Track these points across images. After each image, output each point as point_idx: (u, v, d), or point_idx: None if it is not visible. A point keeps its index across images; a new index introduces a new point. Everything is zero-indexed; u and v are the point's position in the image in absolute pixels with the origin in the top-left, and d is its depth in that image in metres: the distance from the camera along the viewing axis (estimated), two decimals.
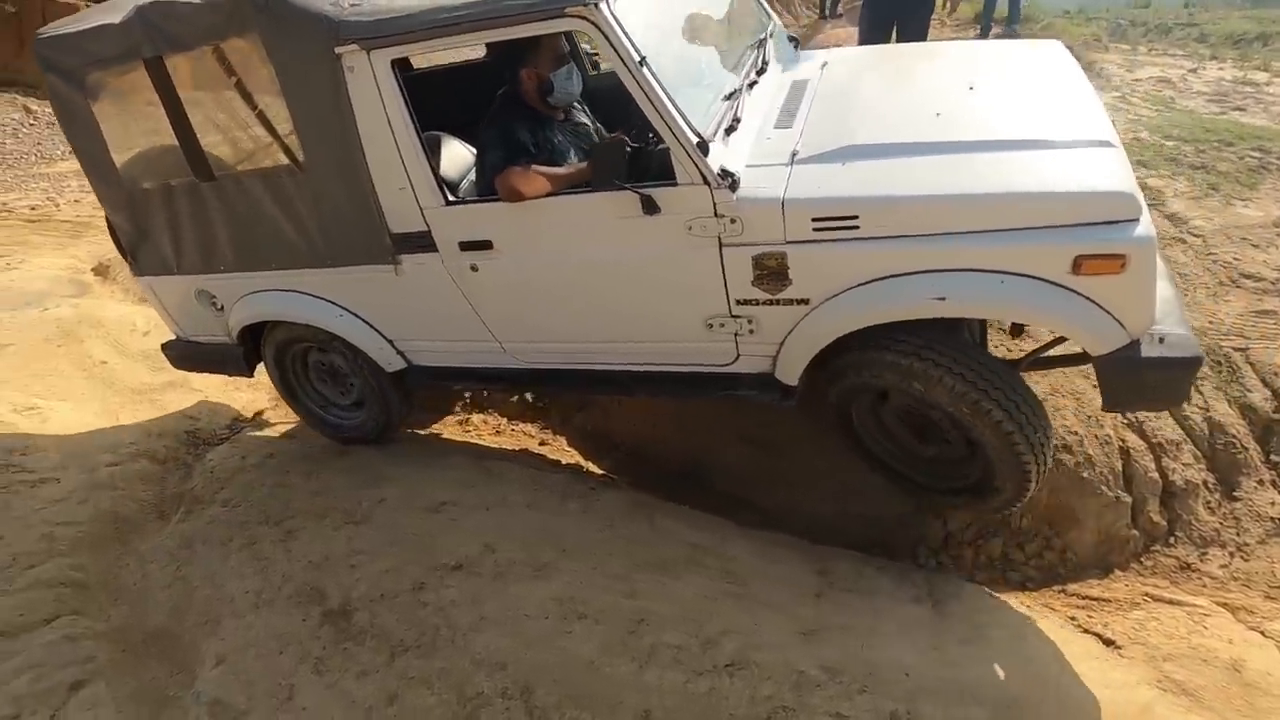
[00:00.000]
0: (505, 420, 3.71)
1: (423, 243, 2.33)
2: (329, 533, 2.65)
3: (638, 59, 1.86)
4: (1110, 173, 1.81)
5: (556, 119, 2.38)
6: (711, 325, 2.20)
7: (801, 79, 2.47)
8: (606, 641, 1.99)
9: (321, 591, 2.38)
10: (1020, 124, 2.02)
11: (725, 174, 1.93)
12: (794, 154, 2.04)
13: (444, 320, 2.56)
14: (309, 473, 3.06)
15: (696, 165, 1.90)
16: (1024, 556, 2.55)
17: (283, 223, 2.49)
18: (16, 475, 3.27)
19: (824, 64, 2.60)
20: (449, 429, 3.69)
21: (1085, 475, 2.53)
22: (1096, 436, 2.63)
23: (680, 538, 2.36)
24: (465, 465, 2.90)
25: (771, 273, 2.03)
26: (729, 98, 2.15)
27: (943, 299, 1.88)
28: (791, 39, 2.76)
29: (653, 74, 1.87)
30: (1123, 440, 2.66)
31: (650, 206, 1.98)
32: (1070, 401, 2.73)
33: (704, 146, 1.90)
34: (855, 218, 1.89)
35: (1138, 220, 1.74)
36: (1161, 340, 1.85)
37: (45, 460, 3.40)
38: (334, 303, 2.65)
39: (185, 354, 3.19)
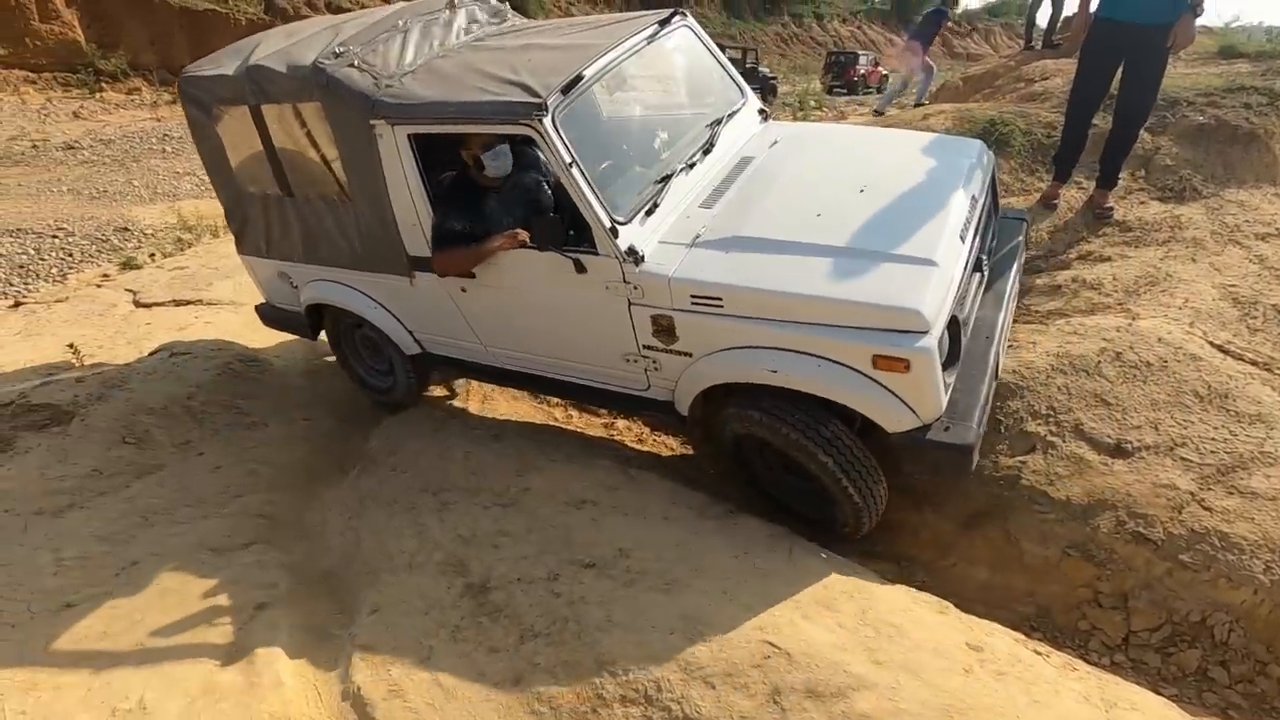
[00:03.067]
0: (648, 431, 3.77)
1: (428, 266, 2.93)
2: (478, 511, 2.81)
3: (567, 162, 2.41)
4: (911, 290, 2.17)
5: (495, 187, 2.81)
6: (628, 359, 2.72)
7: (747, 157, 2.96)
8: (729, 670, 1.94)
9: (465, 565, 2.53)
10: (870, 234, 2.40)
11: (631, 252, 2.45)
12: (696, 237, 2.52)
13: (446, 322, 3.22)
14: (468, 452, 3.27)
15: (610, 244, 2.44)
16: (1228, 678, 2.17)
17: (336, 235, 3.24)
18: (237, 416, 3.80)
19: (774, 142, 3.09)
20: (594, 429, 3.82)
21: None
22: None
23: (817, 575, 2.26)
24: (610, 467, 2.96)
25: (664, 329, 2.53)
26: (661, 180, 2.66)
27: (775, 371, 2.32)
28: (761, 112, 3.31)
29: (580, 173, 2.43)
30: None
31: (580, 268, 2.54)
32: None
33: (615, 230, 2.44)
34: (720, 299, 2.36)
35: (925, 333, 2.12)
36: (947, 428, 2.25)
37: (258, 407, 3.93)
38: (370, 296, 3.36)
39: (271, 316, 3.98)
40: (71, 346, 4.30)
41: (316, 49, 2.93)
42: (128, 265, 7.00)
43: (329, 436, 3.83)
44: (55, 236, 8.31)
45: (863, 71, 23.42)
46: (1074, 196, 4.14)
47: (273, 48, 3.15)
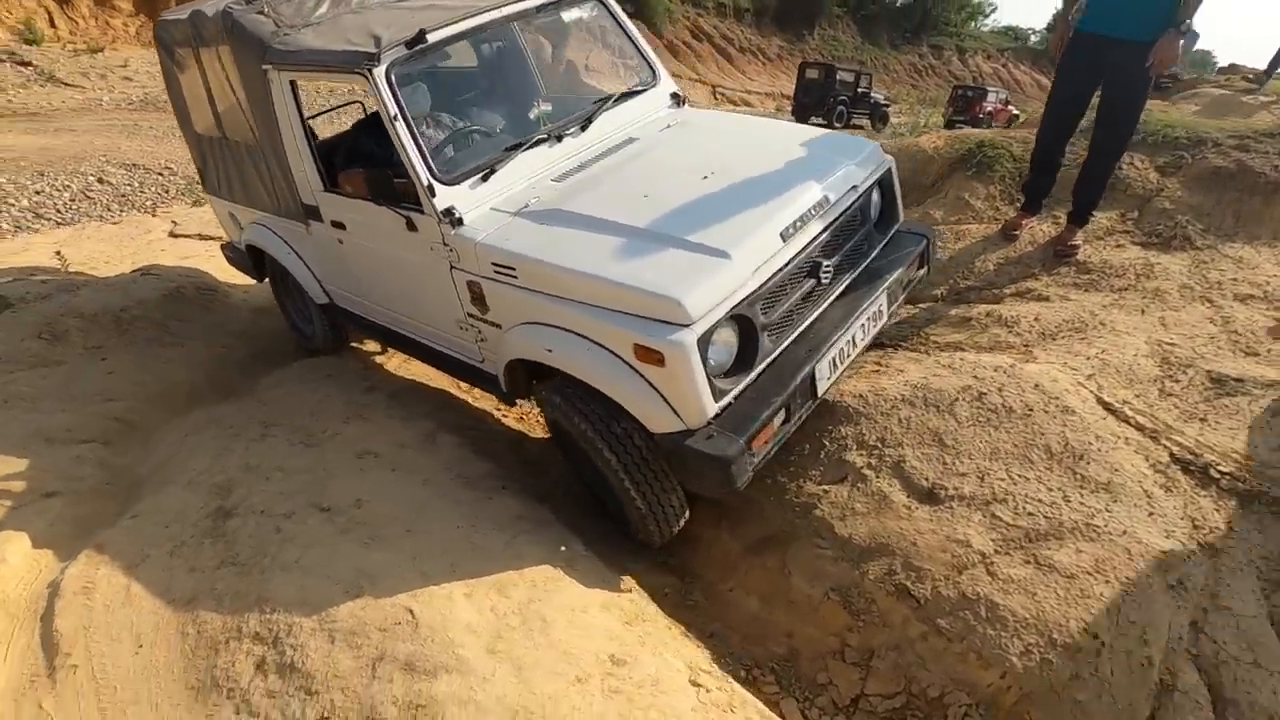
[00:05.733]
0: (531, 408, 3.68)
1: (316, 214, 3.07)
2: (284, 446, 2.84)
3: (392, 114, 2.41)
4: (681, 280, 2.00)
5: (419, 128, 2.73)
6: (461, 327, 2.67)
7: (633, 138, 2.88)
8: (355, 629, 1.84)
9: (231, 490, 2.56)
10: (678, 219, 2.25)
11: (448, 213, 2.40)
12: (524, 206, 2.44)
13: (337, 272, 3.29)
14: (326, 396, 3.31)
15: (428, 202, 2.41)
16: None
17: (255, 179, 3.37)
18: (160, 334, 4.03)
19: (667, 126, 2.98)
20: (486, 400, 3.76)
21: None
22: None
23: (528, 561, 2.11)
24: (422, 426, 2.91)
25: (478, 297, 2.47)
26: (511, 148, 2.61)
27: (550, 350, 2.22)
28: (674, 96, 3.19)
29: (405, 127, 2.42)
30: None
31: (410, 226, 2.53)
32: None
33: (432, 189, 2.40)
34: (514, 269, 2.28)
35: (684, 326, 1.95)
36: (710, 437, 2.02)
37: (186, 329, 4.16)
38: (286, 242, 3.46)
39: (230, 255, 4.18)
40: (58, 254, 4.73)
41: None
42: (198, 203, 7.66)
43: (236, 367, 3.99)
44: (161, 174, 9.26)
45: (990, 109, 22.01)
46: (1045, 231, 3.68)
47: None
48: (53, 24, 17.60)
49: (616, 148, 2.81)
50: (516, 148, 2.63)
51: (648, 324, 2.00)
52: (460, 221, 2.41)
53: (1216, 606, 1.91)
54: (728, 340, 2.13)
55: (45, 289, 4.19)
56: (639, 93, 3.12)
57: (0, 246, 5.93)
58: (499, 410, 3.69)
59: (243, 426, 3.06)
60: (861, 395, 2.66)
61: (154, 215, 7.55)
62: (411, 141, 2.43)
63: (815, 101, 19.79)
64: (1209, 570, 1.99)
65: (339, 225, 3.04)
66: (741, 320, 2.14)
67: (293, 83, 2.86)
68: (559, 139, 2.75)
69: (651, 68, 3.21)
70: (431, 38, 2.59)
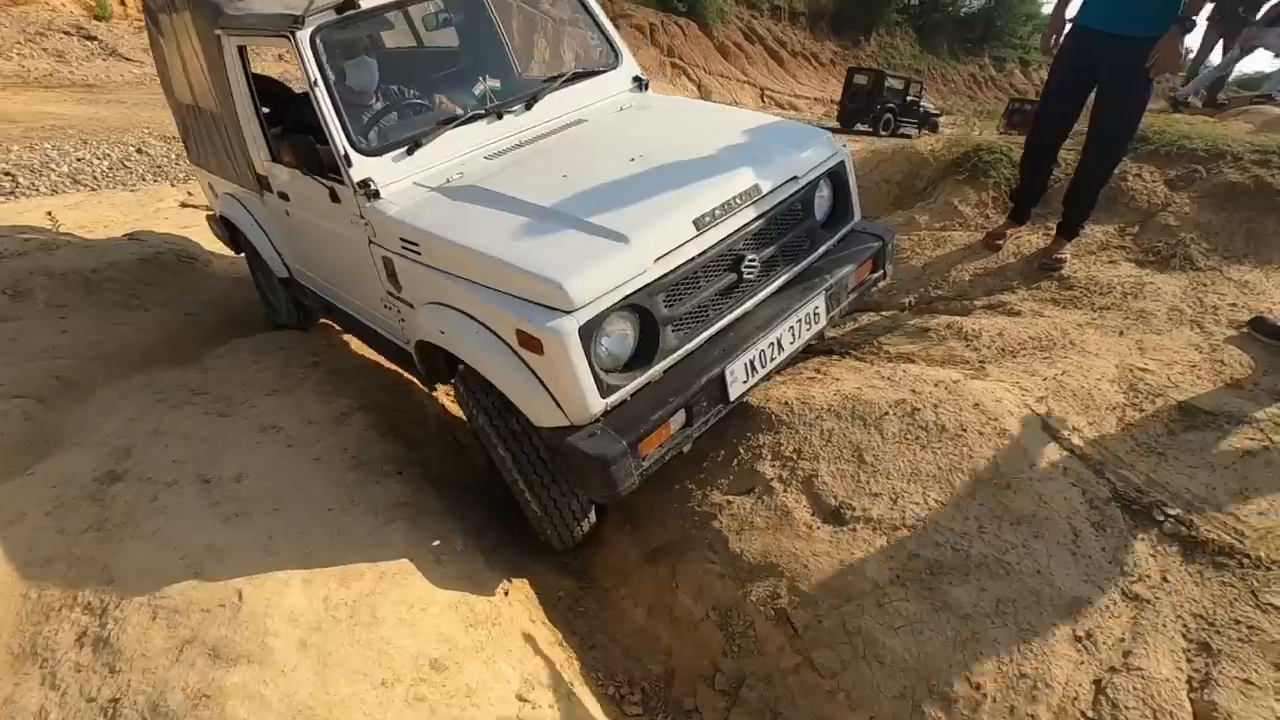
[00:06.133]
0: None
1: (268, 185, 3.04)
2: (198, 414, 2.78)
3: (312, 79, 2.35)
4: (568, 262, 1.86)
5: (367, 102, 2.70)
6: (385, 305, 2.53)
7: (582, 119, 2.75)
8: (180, 608, 1.75)
9: (130, 454, 2.51)
10: (586, 200, 2.11)
11: (364, 184, 2.31)
12: (446, 182, 2.34)
13: (291, 245, 3.22)
14: (264, 369, 3.26)
15: (345, 171, 2.32)
16: None
17: (220, 146, 3.33)
18: (127, 297, 4.05)
19: (621, 109, 2.85)
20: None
21: None
22: None
23: (388, 553, 1.99)
24: (341, 404, 2.83)
25: (391, 274, 2.37)
26: (445, 123, 2.50)
27: (443, 333, 2.12)
28: (637, 80, 3.04)
29: (325, 93, 2.35)
30: None
31: (334, 197, 2.45)
32: None
33: (349, 158, 2.31)
34: (418, 245, 2.17)
35: (567, 313, 1.80)
36: (593, 435, 1.87)
37: (155, 294, 4.17)
38: (250, 214, 3.39)
39: (213, 227, 4.09)
40: (49, 214, 4.81)
41: None
42: None
43: (201, 335, 3.98)
44: None
45: None
46: (1033, 243, 3.42)
47: None
48: (123, 1, 18.32)
49: (562, 129, 2.70)
50: (449, 122, 2.53)
51: (532, 308, 1.86)
52: (377, 194, 2.32)
53: (1127, 666, 1.68)
54: (622, 331, 1.98)
55: (25, 247, 4.26)
56: (596, 74, 2.99)
57: (12, 207, 6.11)
58: (443, 393, 3.60)
59: (172, 392, 3.03)
60: (787, 403, 2.47)
61: (173, 186, 7.72)
62: (331, 109, 2.36)
63: (862, 108, 19.30)
64: (1127, 624, 1.76)
65: (284, 196, 3.01)
66: (640, 311, 1.99)
67: (241, 48, 2.82)
68: (499, 116, 2.64)
69: (614, 50, 3.09)
70: (364, 4, 2.51)
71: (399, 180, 2.37)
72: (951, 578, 1.86)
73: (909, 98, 20.01)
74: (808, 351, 3.00)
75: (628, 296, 1.92)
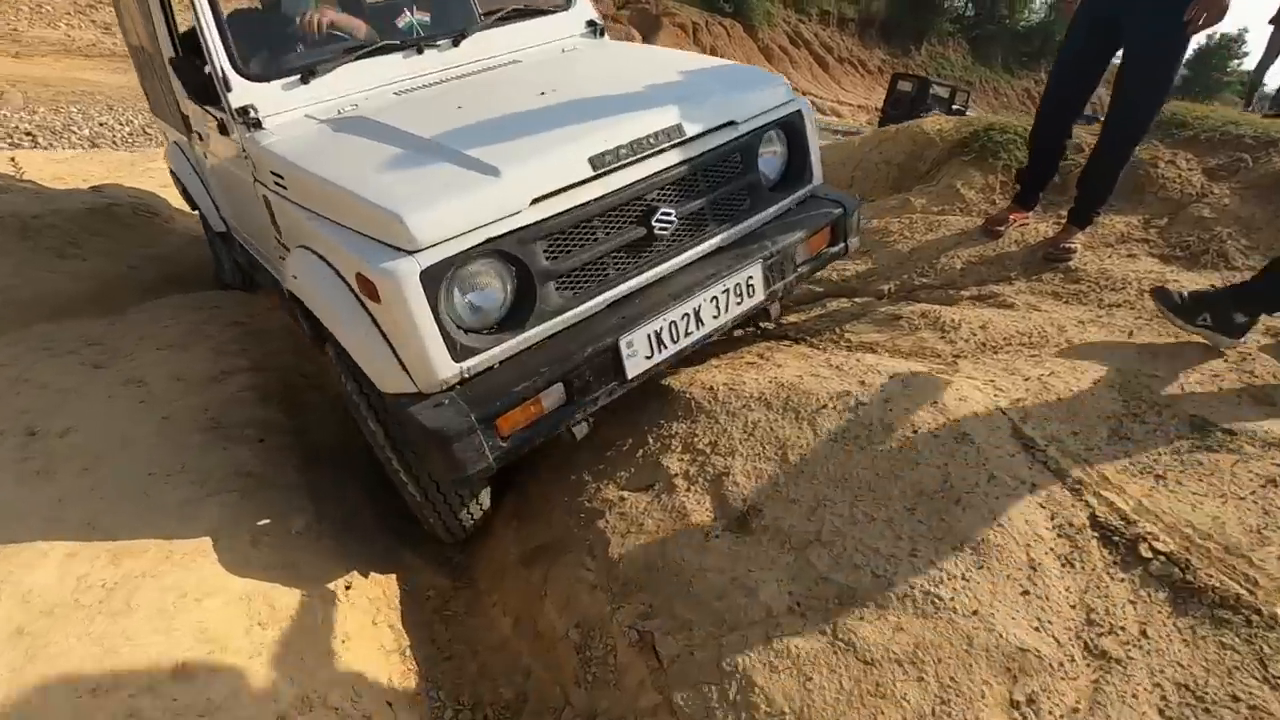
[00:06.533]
0: None
1: (190, 127, 2.79)
2: (74, 366, 2.53)
3: None
4: (420, 195, 1.57)
5: (311, 34, 2.43)
6: (280, 257, 2.16)
7: (516, 60, 2.48)
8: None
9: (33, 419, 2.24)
10: (470, 132, 1.82)
11: (243, 112, 2.04)
12: (338, 113, 2.09)
13: (219, 195, 2.95)
14: (169, 326, 3.01)
15: (224, 96, 2.04)
16: None
17: (160, 89, 3.11)
18: (66, 245, 3.85)
19: (562, 50, 2.59)
20: None
21: None
22: None
23: (191, 529, 1.68)
24: (230, 364, 2.55)
25: (272, 215, 2.10)
26: (350, 51, 2.24)
27: (295, 277, 1.86)
28: (591, 24, 2.74)
29: (209, 8, 2.07)
30: None
31: (222, 128, 2.21)
32: None
33: (228, 82, 2.04)
34: (284, 178, 1.91)
35: (409, 254, 1.51)
36: (437, 405, 1.55)
37: (97, 244, 3.96)
38: (188, 160, 3.16)
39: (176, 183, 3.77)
40: (13, 160, 4.67)
41: None
42: None
43: (137, 288, 3.77)
44: None
45: None
46: (1040, 232, 2.97)
47: None
48: None
49: (492, 68, 2.42)
50: (353, 51, 2.25)
51: (374, 247, 1.56)
52: (259, 124, 2.06)
53: None
54: (487, 284, 1.63)
55: None
56: (540, 13, 2.67)
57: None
58: None
59: (64, 342, 2.78)
60: (713, 389, 2.09)
61: (162, 145, 7.63)
62: (212, 21, 2.09)
63: (903, 114, 18.53)
64: (1085, 689, 1.34)
65: (202, 137, 2.76)
66: (514, 261, 1.64)
67: None
68: (419, 51, 2.36)
69: None
70: None
71: (288, 111, 2.11)
72: (864, 611, 1.46)
73: (954, 106, 19.24)
74: (762, 337, 2.62)
75: (492, 240, 1.58)
